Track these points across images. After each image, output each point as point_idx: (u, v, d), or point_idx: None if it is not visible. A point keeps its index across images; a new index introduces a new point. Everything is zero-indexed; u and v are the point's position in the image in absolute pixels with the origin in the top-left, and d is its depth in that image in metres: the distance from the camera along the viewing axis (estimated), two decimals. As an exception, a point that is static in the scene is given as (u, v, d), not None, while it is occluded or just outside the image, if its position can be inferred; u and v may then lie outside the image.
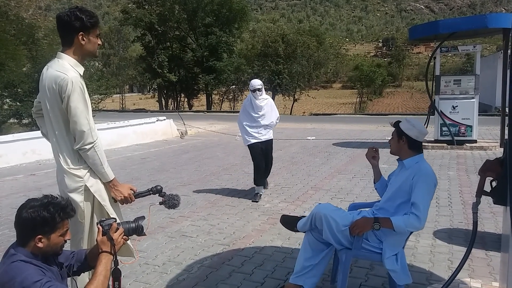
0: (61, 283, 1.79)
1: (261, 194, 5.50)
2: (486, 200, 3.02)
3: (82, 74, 2.25)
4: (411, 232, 2.58)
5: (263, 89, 5.47)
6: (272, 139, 5.62)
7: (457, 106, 8.93)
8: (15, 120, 16.66)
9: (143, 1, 32.12)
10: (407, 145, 2.58)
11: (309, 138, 11.39)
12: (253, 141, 5.48)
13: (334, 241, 2.53)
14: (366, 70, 42.06)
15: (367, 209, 2.86)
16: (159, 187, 2.34)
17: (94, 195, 2.27)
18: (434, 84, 9.26)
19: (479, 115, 9.20)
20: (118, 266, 1.87)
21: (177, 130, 13.08)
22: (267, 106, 5.49)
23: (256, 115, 5.41)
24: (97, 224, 1.89)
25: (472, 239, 2.51)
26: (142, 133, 11.95)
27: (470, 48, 9.45)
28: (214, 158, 8.73)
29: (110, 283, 1.87)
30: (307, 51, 32.09)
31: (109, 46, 52.26)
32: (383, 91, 51.94)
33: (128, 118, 14.19)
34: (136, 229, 1.99)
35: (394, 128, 2.70)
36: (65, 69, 2.16)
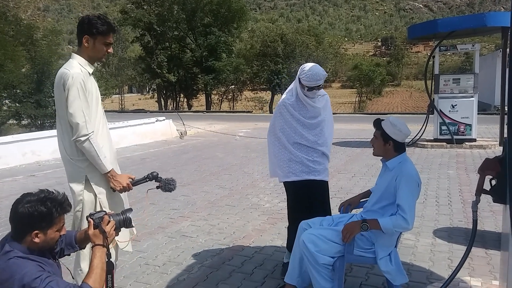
0: (60, 275, 1.79)
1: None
2: (486, 199, 3.02)
3: (91, 73, 2.40)
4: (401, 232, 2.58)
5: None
6: (327, 182, 3.13)
7: (456, 105, 8.94)
8: (15, 121, 16.68)
9: (141, 1, 32.04)
10: (393, 148, 2.56)
11: (308, 137, 11.38)
12: (299, 177, 3.01)
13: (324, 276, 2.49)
14: (365, 69, 42.08)
15: (357, 212, 2.85)
16: (155, 173, 2.43)
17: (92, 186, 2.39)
18: (433, 83, 9.27)
19: (478, 113, 9.22)
20: (111, 259, 1.87)
21: (177, 130, 13.07)
22: (325, 109, 3.10)
23: (310, 120, 3.01)
24: (86, 218, 1.89)
25: (472, 237, 2.52)
26: (142, 133, 11.95)
27: (469, 47, 9.47)
28: (213, 158, 8.73)
29: None
30: (306, 50, 32.11)
31: (108, 46, 52.11)
32: (382, 90, 51.89)
33: (128, 118, 14.19)
34: (124, 221, 2.01)
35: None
36: (71, 66, 2.32)
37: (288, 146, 3.04)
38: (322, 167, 3.05)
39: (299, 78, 2.96)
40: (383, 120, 2.58)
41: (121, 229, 2.01)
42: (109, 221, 1.88)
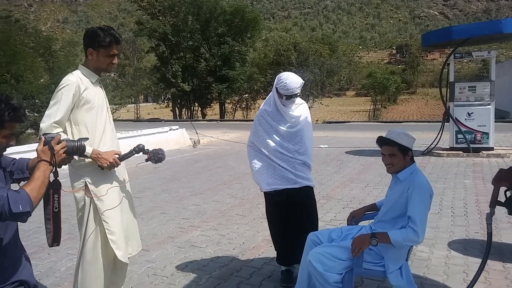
0: (5, 185, 1.74)
1: (293, 272, 3.16)
2: (504, 210, 2.92)
3: (93, 82, 2.44)
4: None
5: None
6: (312, 187, 3.13)
7: (472, 113, 8.76)
8: (33, 131, 17.06)
9: (157, 12, 32.63)
10: (410, 157, 2.48)
11: (321, 146, 11.30)
12: (280, 186, 3.00)
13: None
14: (379, 77, 41.76)
15: (366, 223, 2.77)
16: (141, 146, 2.40)
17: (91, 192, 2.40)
18: (448, 90, 9.12)
19: (495, 121, 9.01)
20: (58, 178, 1.85)
21: (190, 139, 13.14)
22: (303, 117, 3.09)
23: (290, 129, 3.02)
24: (38, 137, 1.89)
25: (487, 251, 2.43)
26: (155, 142, 12.01)
27: (485, 54, 9.29)
28: (226, 167, 8.72)
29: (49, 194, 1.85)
30: (320, 59, 32.06)
31: (125, 57, 53.10)
32: (397, 98, 51.39)
33: (143, 127, 14.34)
34: (78, 149, 2.01)
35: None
36: (72, 74, 2.41)
37: (269, 156, 3.04)
38: (304, 175, 3.05)
39: (276, 88, 2.95)
40: (386, 135, 2.49)
41: (122, 239, 1.99)
42: (60, 142, 1.85)
